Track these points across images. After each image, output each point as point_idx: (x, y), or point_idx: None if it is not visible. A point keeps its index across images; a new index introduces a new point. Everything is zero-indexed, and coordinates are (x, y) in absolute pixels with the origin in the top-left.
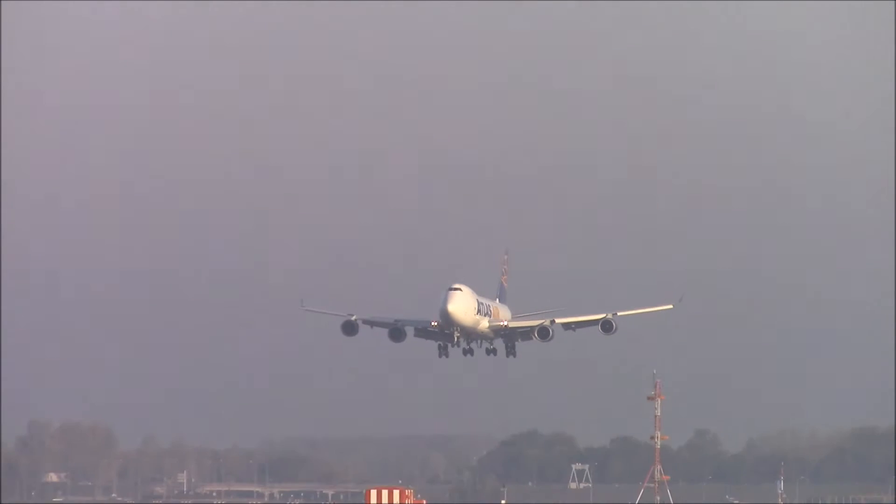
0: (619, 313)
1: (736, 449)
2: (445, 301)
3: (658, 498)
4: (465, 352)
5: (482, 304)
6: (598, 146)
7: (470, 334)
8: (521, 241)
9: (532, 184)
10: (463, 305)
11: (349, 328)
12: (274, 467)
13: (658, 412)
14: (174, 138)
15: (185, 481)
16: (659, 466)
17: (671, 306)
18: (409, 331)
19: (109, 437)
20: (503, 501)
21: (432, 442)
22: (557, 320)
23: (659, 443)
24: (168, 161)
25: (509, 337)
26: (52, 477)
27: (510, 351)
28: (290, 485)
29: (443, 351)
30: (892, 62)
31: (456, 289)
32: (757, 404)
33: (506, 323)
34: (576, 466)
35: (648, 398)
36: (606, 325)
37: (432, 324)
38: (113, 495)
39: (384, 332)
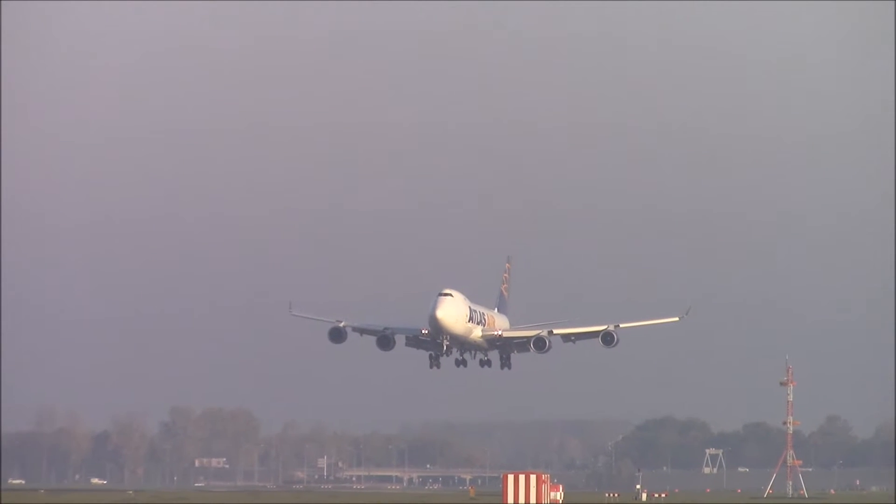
0: (621, 325)
1: (866, 434)
2: (434, 306)
3: (790, 482)
4: (458, 363)
5: (475, 311)
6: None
7: (462, 343)
8: (527, 248)
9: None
10: (453, 312)
11: (337, 335)
12: (412, 452)
13: (790, 398)
14: (176, 144)
15: (324, 466)
16: (791, 451)
17: (677, 319)
18: (401, 340)
19: (251, 423)
20: (639, 486)
21: (568, 427)
22: (556, 331)
23: (791, 428)
24: (172, 161)
25: (504, 348)
26: (196, 461)
27: (505, 363)
28: (429, 469)
29: (433, 361)
30: (892, 62)
31: (446, 294)
32: (886, 391)
33: (500, 332)
34: (709, 451)
35: (781, 384)
36: (607, 338)
37: (422, 332)
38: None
39: (373, 339)
